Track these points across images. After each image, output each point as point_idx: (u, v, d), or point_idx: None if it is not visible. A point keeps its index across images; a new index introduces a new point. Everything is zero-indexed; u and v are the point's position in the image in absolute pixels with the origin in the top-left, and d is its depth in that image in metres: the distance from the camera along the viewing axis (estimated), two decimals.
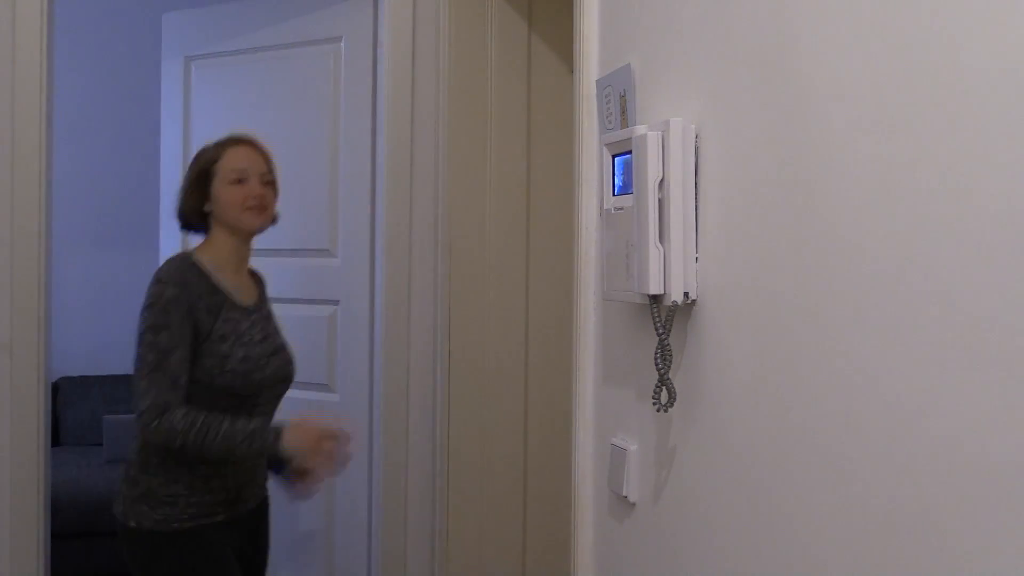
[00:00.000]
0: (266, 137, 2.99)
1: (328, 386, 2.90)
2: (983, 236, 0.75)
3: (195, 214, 2.20)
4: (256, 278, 2.30)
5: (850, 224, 0.92)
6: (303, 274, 2.93)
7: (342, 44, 2.85)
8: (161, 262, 3.32)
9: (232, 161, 2.20)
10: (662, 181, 1.23)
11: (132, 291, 4.81)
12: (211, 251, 2.16)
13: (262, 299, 2.26)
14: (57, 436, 4.58)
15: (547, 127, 2.70)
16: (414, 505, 2.71)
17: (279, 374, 2.18)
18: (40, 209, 2.42)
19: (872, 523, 0.89)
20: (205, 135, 3.16)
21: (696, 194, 1.23)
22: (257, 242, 2.22)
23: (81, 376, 4.79)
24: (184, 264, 2.10)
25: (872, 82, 0.89)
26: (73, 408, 4.69)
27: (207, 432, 1.99)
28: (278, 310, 2.32)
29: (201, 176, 2.19)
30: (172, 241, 3.27)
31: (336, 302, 2.89)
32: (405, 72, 2.67)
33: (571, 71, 1.68)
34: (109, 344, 4.90)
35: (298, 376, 2.27)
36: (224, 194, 2.16)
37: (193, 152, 3.17)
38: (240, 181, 2.16)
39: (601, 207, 1.43)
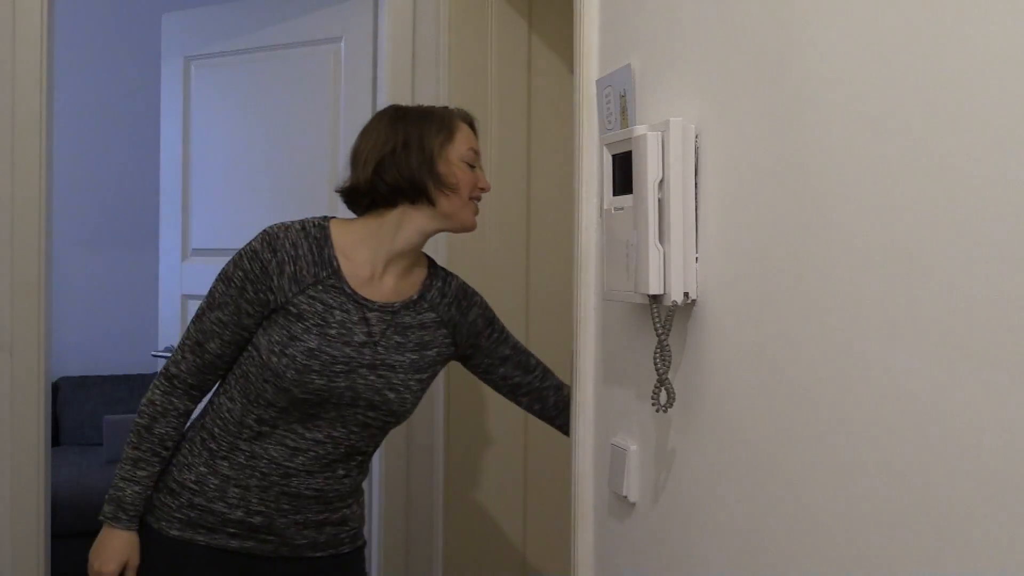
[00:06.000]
0: (266, 137, 3.00)
1: None
2: (984, 233, 0.75)
3: (411, 184, 1.72)
4: (436, 285, 1.83)
5: (851, 223, 0.92)
6: None
7: (342, 44, 2.85)
8: (161, 262, 3.35)
9: (470, 139, 1.78)
10: (662, 181, 1.23)
11: (132, 291, 4.89)
12: (358, 229, 1.76)
13: (413, 305, 1.78)
14: (57, 436, 4.58)
15: (547, 127, 2.71)
16: (414, 505, 2.71)
17: (364, 394, 1.70)
18: (40, 209, 2.42)
19: (874, 521, 0.89)
20: (205, 135, 3.18)
21: (696, 194, 1.22)
22: None
23: (81, 376, 4.80)
24: (304, 223, 1.74)
25: (872, 81, 0.89)
26: (73, 408, 4.69)
27: (131, 432, 1.74)
28: None
29: (424, 143, 1.73)
30: (172, 241, 3.27)
31: None
32: (405, 72, 2.67)
33: (571, 71, 1.68)
34: (109, 344, 4.90)
35: None
36: (459, 173, 1.73)
37: (193, 153, 3.21)
38: (472, 167, 1.76)
39: (601, 207, 1.43)
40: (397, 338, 1.74)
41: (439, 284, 1.83)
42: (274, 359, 1.66)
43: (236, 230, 1.76)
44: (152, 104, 3.54)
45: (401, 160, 1.72)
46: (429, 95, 2.66)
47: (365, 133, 1.80)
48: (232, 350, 1.72)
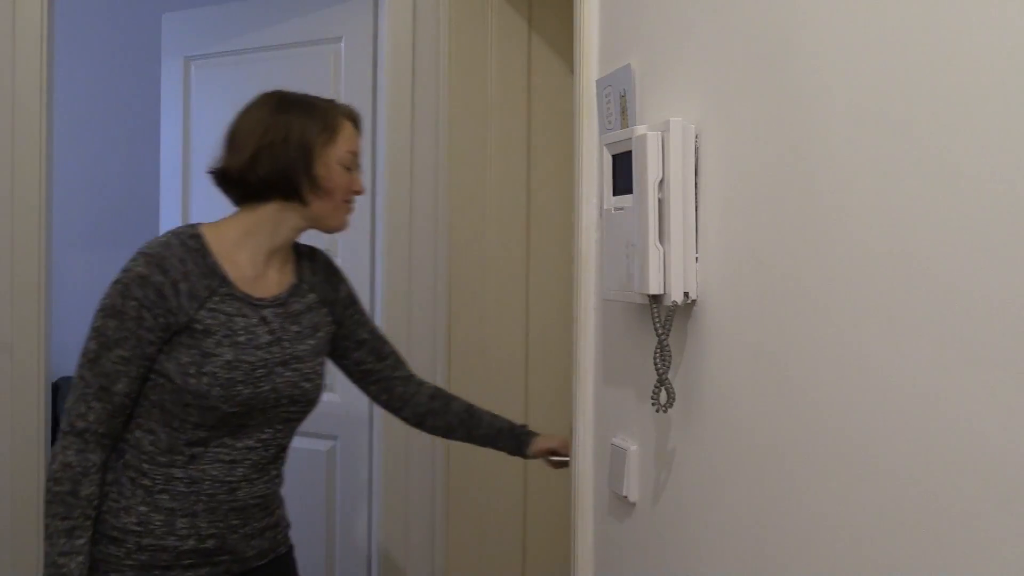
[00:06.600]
0: None
1: (329, 386, 2.89)
2: (985, 232, 0.75)
3: (285, 180, 1.69)
4: (305, 265, 1.84)
5: (850, 223, 0.92)
6: None
7: (342, 44, 2.85)
8: None
9: (351, 141, 1.76)
10: (662, 181, 1.23)
11: None
12: (232, 229, 1.72)
13: (296, 291, 1.78)
14: (57, 436, 4.57)
15: (547, 127, 2.70)
16: (414, 504, 2.71)
17: (285, 392, 1.71)
18: (40, 209, 2.42)
19: (874, 520, 0.89)
20: (205, 135, 3.17)
21: (696, 194, 1.23)
22: None
23: None
24: (178, 237, 1.67)
25: (872, 81, 0.89)
26: None
27: (51, 503, 1.61)
28: None
29: (304, 141, 1.70)
30: None
31: None
32: (405, 72, 2.67)
33: (571, 71, 1.68)
34: None
35: None
36: (335, 176, 1.72)
37: (193, 153, 3.21)
38: (350, 169, 1.75)
39: (601, 207, 1.43)
40: (294, 328, 1.75)
41: (308, 262, 1.85)
42: (192, 381, 1.62)
43: None
44: (152, 104, 3.54)
45: (279, 155, 1.68)
46: (429, 95, 2.66)
47: (246, 116, 1.75)
48: (138, 385, 1.65)
